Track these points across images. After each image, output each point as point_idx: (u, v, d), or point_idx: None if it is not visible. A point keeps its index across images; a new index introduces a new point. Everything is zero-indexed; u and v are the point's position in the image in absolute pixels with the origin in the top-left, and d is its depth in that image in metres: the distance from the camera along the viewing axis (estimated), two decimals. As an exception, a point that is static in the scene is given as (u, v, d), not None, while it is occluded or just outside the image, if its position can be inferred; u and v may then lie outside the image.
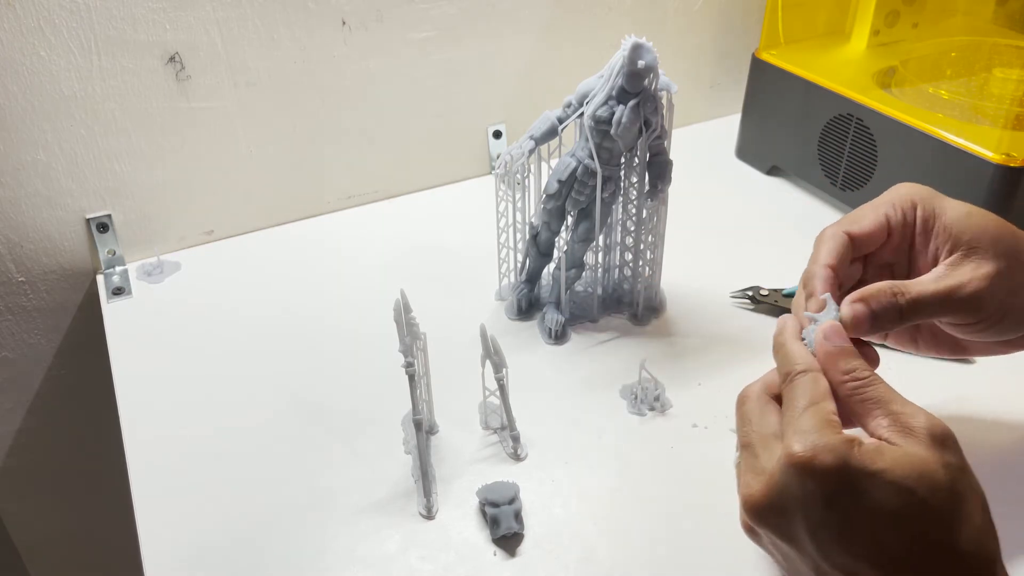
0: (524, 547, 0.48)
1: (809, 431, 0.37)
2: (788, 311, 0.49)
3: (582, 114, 0.57)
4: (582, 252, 0.63)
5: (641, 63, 0.53)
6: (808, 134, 0.79)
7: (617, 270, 0.67)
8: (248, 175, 0.77)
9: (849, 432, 0.38)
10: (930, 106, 0.72)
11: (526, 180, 0.62)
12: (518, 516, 0.48)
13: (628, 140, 0.57)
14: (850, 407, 0.39)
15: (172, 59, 0.69)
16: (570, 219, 0.62)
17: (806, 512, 0.36)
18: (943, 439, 0.37)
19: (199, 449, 0.55)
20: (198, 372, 0.62)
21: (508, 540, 0.48)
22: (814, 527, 0.36)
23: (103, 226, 0.73)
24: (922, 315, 0.44)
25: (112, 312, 0.69)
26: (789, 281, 0.66)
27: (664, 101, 0.57)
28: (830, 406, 0.39)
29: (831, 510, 0.36)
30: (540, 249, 0.64)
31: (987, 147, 0.65)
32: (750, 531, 0.41)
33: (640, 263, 0.64)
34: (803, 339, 0.43)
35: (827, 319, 0.43)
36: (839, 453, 0.36)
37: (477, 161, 0.87)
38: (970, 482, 0.37)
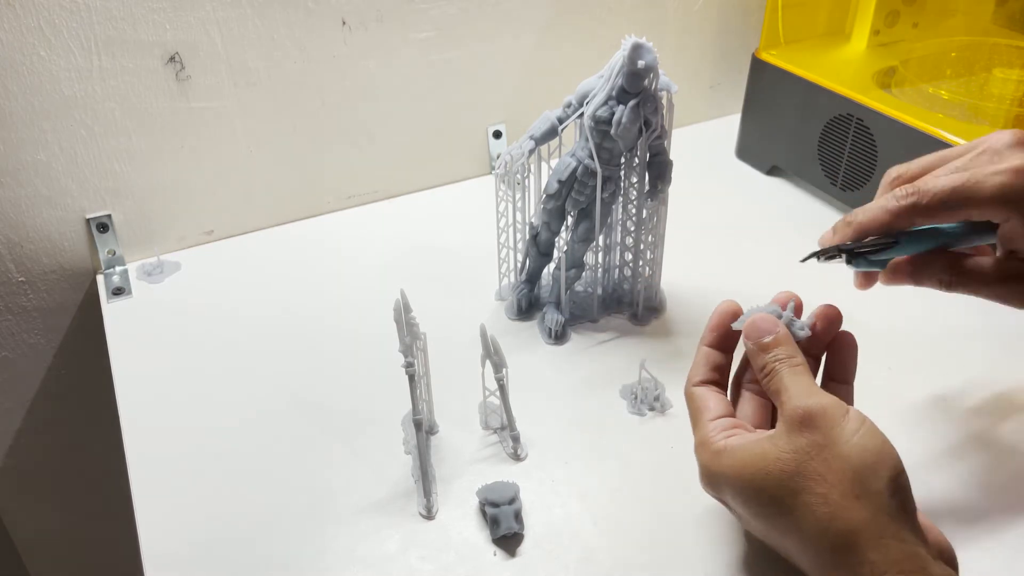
0: (524, 547, 0.48)
1: (696, 455, 0.43)
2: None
3: (582, 114, 0.57)
4: (582, 252, 0.63)
5: (641, 63, 0.53)
6: (808, 134, 0.79)
7: (617, 270, 0.67)
8: (248, 175, 0.77)
9: (726, 434, 0.42)
10: (930, 106, 0.72)
11: (526, 180, 0.62)
12: (518, 516, 0.48)
13: (628, 140, 0.57)
14: (771, 400, 0.43)
15: (172, 59, 0.69)
16: (570, 219, 0.62)
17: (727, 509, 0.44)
18: (803, 421, 0.39)
19: (199, 449, 0.55)
20: (198, 372, 0.62)
21: (508, 540, 0.48)
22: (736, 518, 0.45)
23: (103, 226, 0.73)
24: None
25: (112, 312, 0.69)
26: (792, 283, 0.65)
27: (664, 101, 0.57)
28: (706, 415, 0.43)
29: (731, 510, 0.43)
30: (540, 249, 0.64)
31: (987, 147, 0.65)
32: None
33: (640, 263, 0.64)
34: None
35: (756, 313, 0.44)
36: (708, 474, 0.42)
37: (477, 161, 0.87)
38: (830, 459, 0.37)
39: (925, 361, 0.60)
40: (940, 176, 0.44)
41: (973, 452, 0.53)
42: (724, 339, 0.46)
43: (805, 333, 0.44)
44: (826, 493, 0.37)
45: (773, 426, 0.45)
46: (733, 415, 0.44)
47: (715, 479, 0.41)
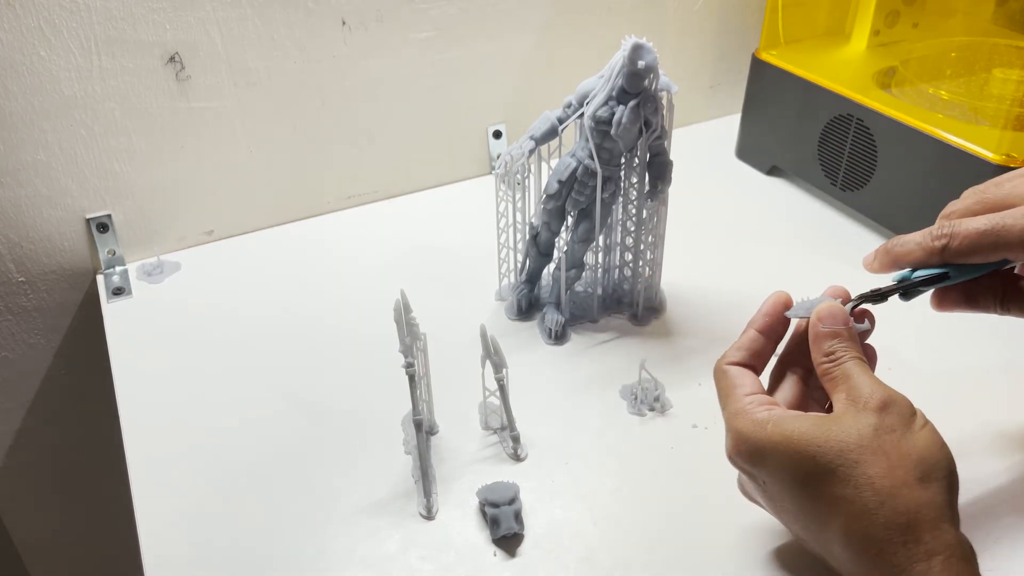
0: (524, 547, 0.48)
1: (730, 424, 0.42)
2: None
3: (582, 114, 0.57)
4: (582, 252, 0.63)
5: (641, 63, 0.53)
6: (808, 134, 0.79)
7: (617, 270, 0.67)
8: (248, 175, 0.77)
9: (766, 407, 0.41)
10: (930, 106, 0.72)
11: (526, 180, 0.62)
12: (518, 516, 0.48)
13: (628, 141, 0.57)
14: (823, 384, 0.42)
15: (172, 59, 0.69)
16: (570, 219, 0.62)
17: (754, 487, 0.44)
18: (880, 406, 0.39)
19: (199, 449, 0.55)
20: (198, 372, 0.62)
21: (508, 540, 0.48)
22: (761, 498, 0.44)
23: (103, 226, 0.73)
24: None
25: (112, 312, 0.69)
26: (793, 284, 0.65)
27: (664, 101, 0.57)
28: (740, 390, 0.43)
29: (759, 486, 0.42)
30: (540, 249, 0.64)
31: (987, 147, 0.65)
32: None
33: (640, 263, 0.64)
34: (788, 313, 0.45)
35: (821, 301, 0.44)
36: (747, 442, 0.41)
37: (477, 161, 0.87)
38: (897, 440, 0.38)
39: (926, 360, 0.60)
40: (975, 216, 0.44)
41: (976, 453, 0.53)
42: (773, 327, 0.46)
43: (864, 327, 0.44)
44: (889, 468, 0.37)
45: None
46: (765, 394, 0.44)
47: (757, 447, 0.40)
